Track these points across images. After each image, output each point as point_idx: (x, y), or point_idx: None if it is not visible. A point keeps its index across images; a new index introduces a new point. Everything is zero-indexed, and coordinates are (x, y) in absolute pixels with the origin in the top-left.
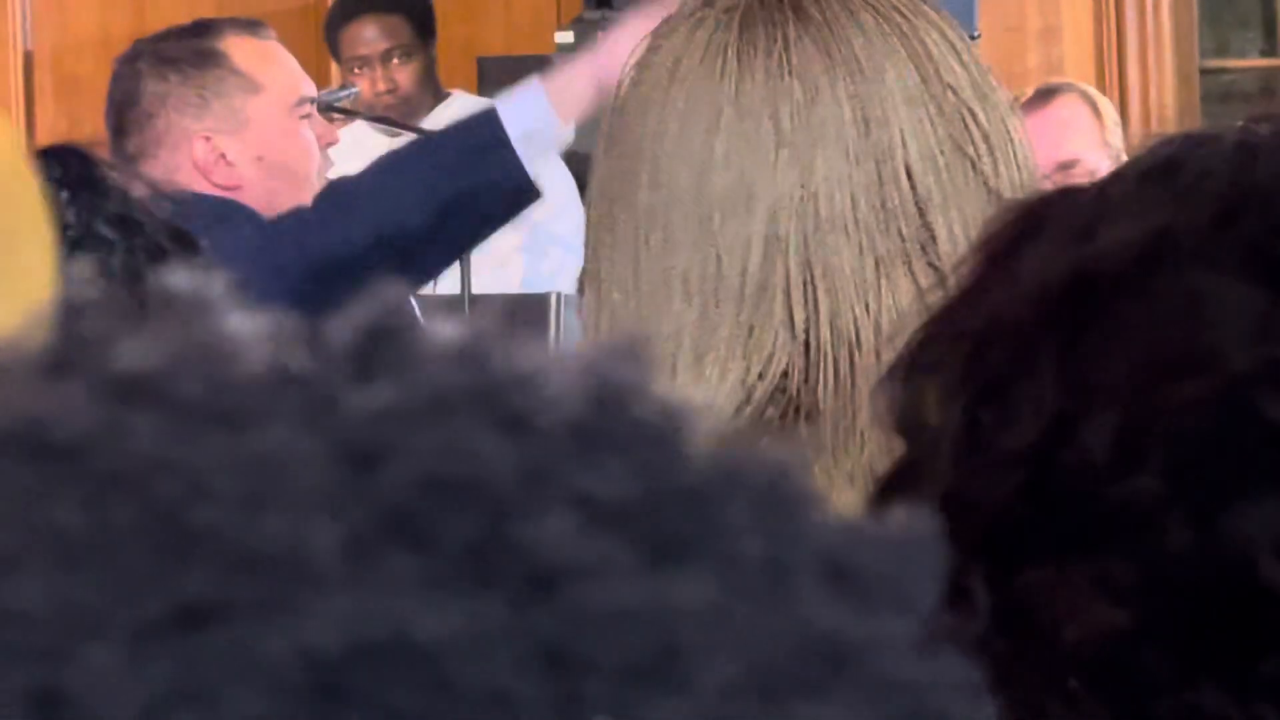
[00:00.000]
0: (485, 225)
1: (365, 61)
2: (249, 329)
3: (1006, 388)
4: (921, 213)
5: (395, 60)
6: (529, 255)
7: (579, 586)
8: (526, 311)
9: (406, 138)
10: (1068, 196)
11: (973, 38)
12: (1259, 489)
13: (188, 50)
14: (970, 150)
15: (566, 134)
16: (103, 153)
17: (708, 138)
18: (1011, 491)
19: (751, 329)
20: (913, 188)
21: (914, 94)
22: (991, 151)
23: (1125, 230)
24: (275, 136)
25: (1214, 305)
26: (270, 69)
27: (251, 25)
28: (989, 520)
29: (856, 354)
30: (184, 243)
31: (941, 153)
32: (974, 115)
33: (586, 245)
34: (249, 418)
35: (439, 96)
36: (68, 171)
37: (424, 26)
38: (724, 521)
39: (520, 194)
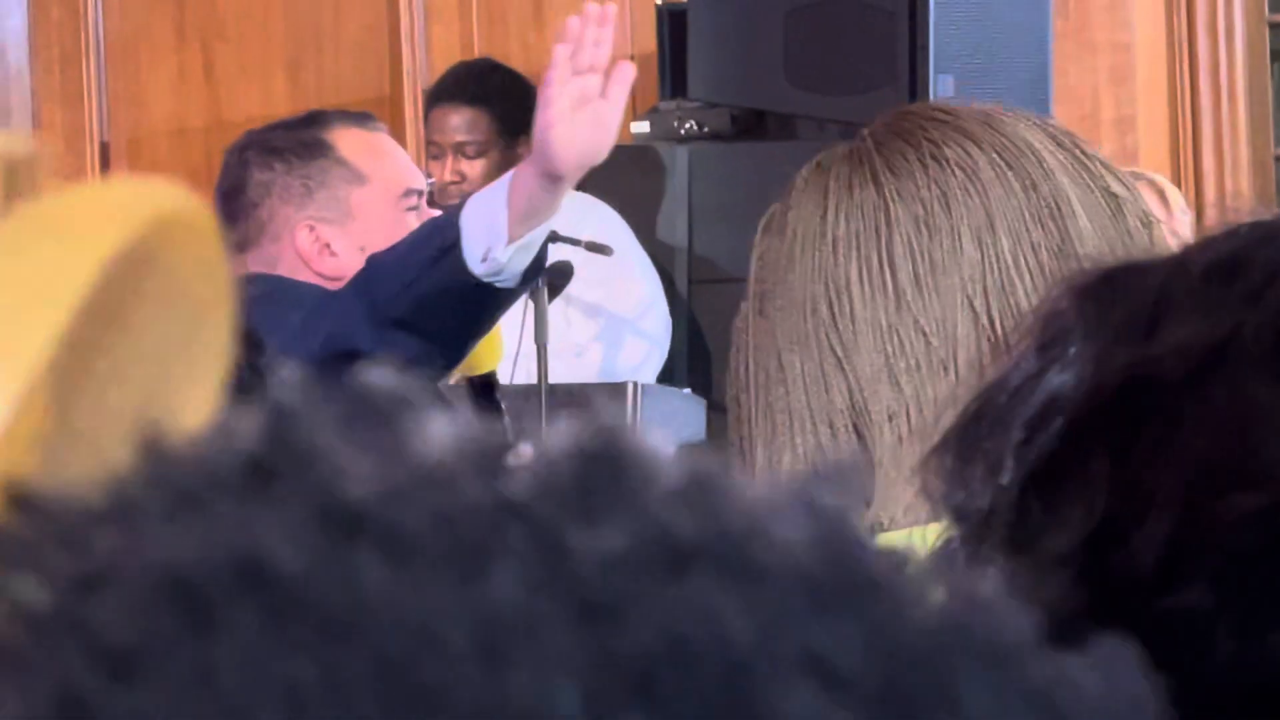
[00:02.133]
0: (452, 323)
1: (439, 148)
2: (464, 438)
3: (1058, 482)
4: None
5: (467, 152)
6: (606, 345)
7: None
8: (604, 401)
9: None
10: (1130, 277)
11: None
12: None
13: (294, 140)
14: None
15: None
16: None
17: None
18: (1059, 592)
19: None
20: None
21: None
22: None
23: (1186, 333)
24: (379, 227)
25: (1272, 418)
26: (376, 161)
27: (361, 118)
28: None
29: None
30: (248, 341)
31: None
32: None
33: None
34: (478, 560)
35: None
36: None
37: (507, 124)
38: (953, 682)
39: (470, 292)
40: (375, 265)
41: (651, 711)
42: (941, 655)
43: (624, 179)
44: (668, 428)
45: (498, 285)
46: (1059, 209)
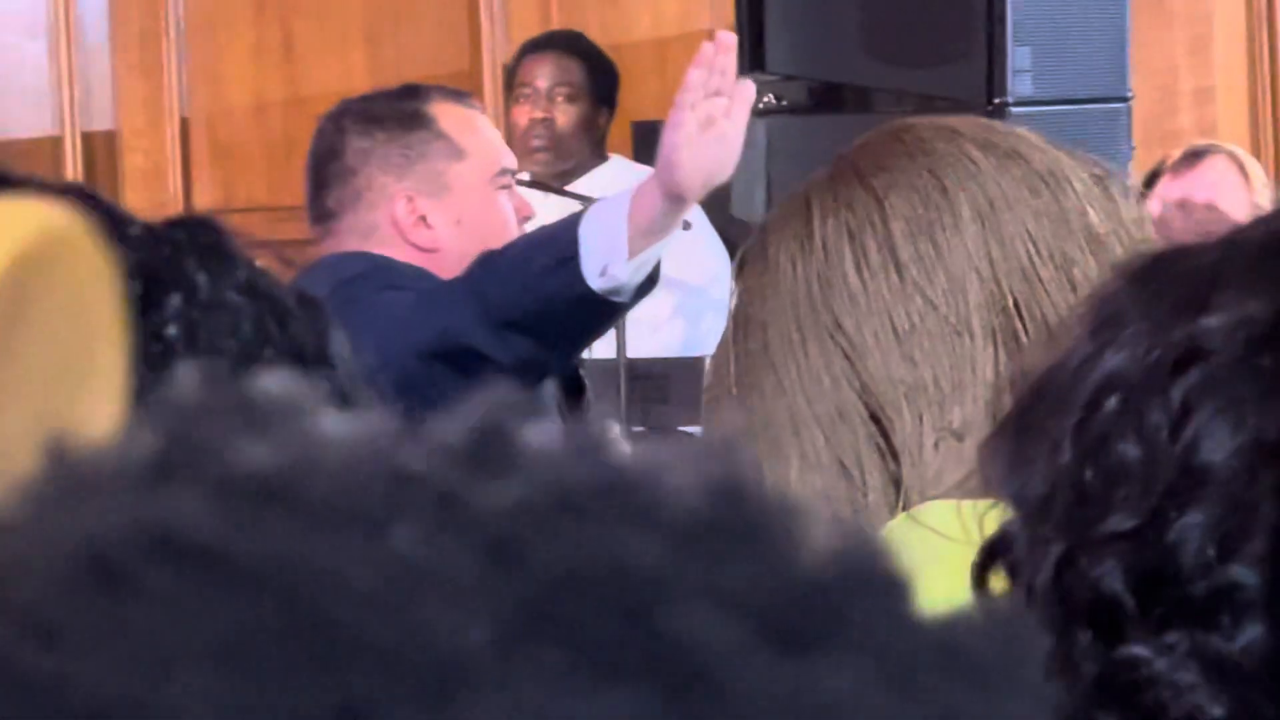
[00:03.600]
0: (566, 331)
1: (533, 91)
2: (358, 429)
3: (1116, 459)
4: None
5: (560, 97)
6: (685, 319)
7: (724, 675)
8: (681, 375)
9: (563, 201)
10: (1184, 258)
11: (1124, 99)
12: None
13: (395, 110)
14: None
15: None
16: (241, 221)
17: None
18: (1116, 567)
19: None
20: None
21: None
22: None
23: (1240, 307)
24: (475, 203)
25: None
26: (474, 137)
27: (458, 94)
28: (1093, 593)
29: None
30: (310, 307)
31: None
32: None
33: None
34: (381, 516)
35: (599, 157)
36: (195, 240)
37: (600, 83)
38: (848, 613)
39: (586, 304)
40: (490, 264)
41: (560, 644)
42: (833, 586)
43: None
44: None
45: (613, 300)
46: (1054, 177)
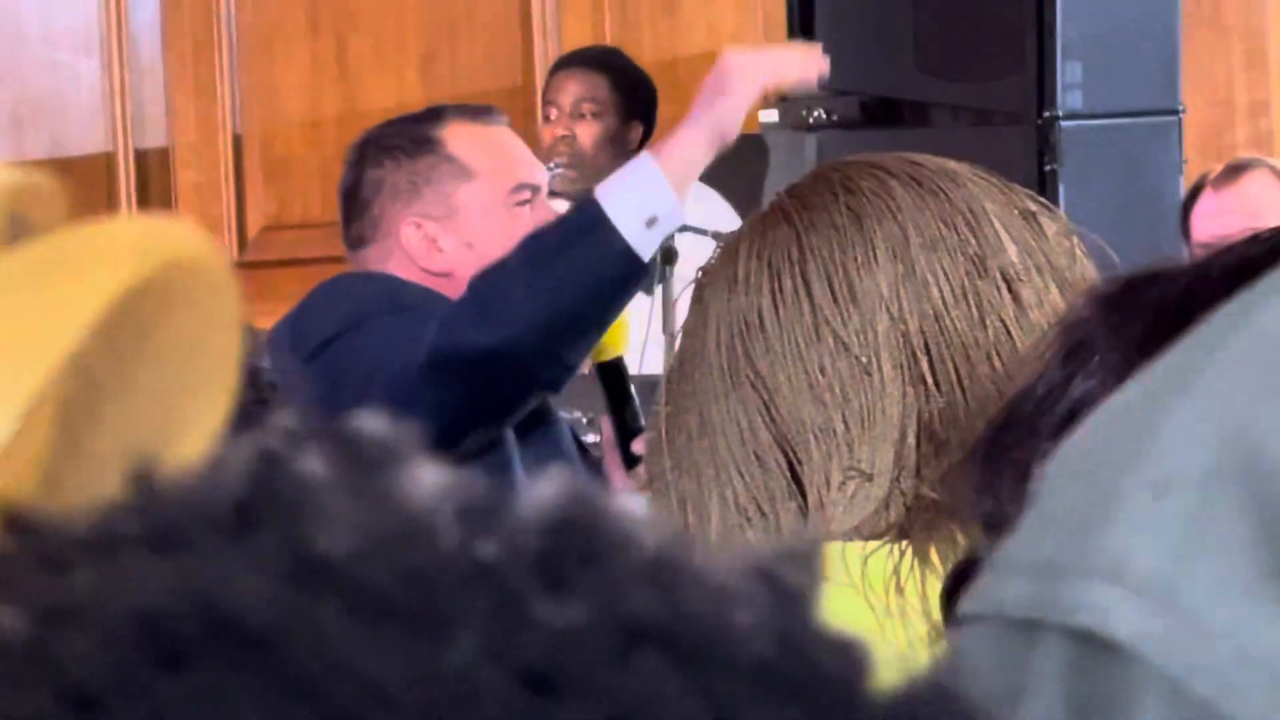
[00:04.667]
0: (599, 301)
1: (557, 108)
2: (437, 490)
3: None
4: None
5: (583, 114)
6: None
7: None
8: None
9: None
10: (1153, 284)
11: (1175, 112)
12: None
13: (405, 137)
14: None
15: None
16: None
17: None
18: None
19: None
20: None
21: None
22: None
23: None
24: (486, 224)
25: None
26: (486, 156)
27: (478, 111)
28: None
29: None
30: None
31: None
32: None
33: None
34: (440, 622)
35: None
36: None
37: (624, 98)
38: None
39: (628, 271)
40: (501, 270)
41: None
42: None
43: (752, 168)
44: None
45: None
46: (973, 215)
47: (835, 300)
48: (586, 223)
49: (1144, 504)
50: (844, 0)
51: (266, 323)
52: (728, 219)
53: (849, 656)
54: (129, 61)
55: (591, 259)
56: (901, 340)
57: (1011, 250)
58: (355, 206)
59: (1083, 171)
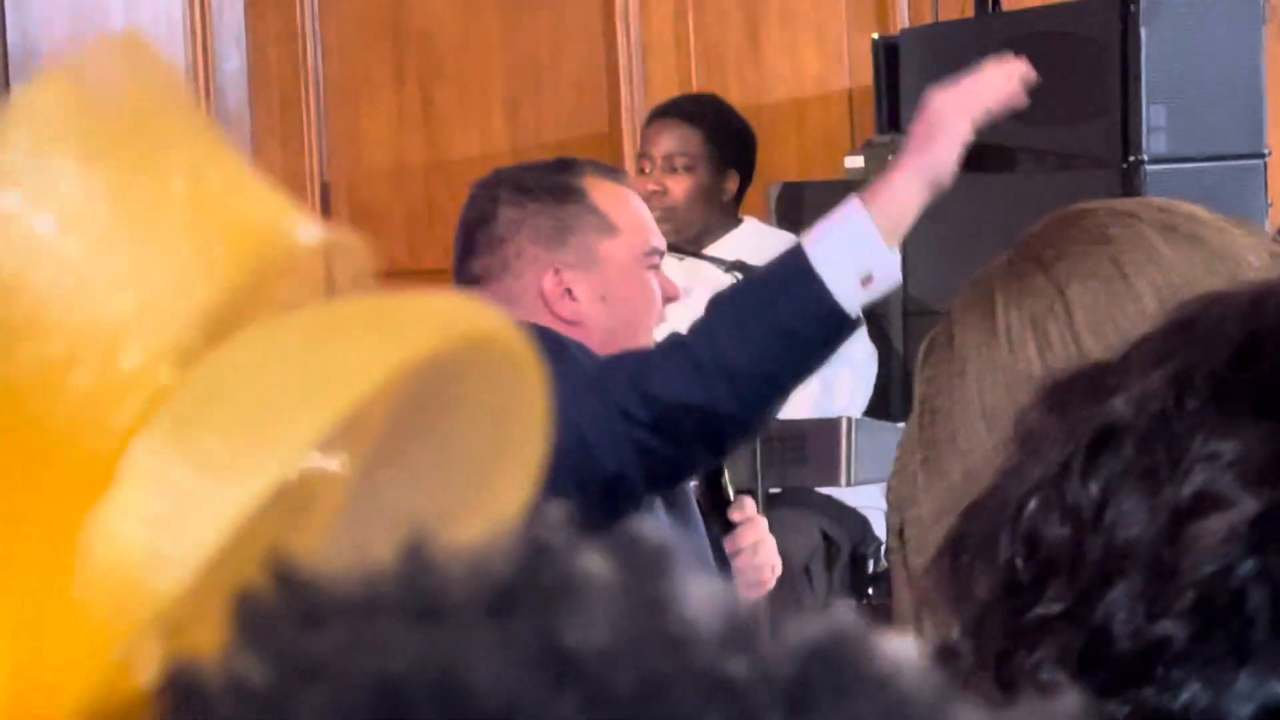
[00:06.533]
0: (804, 359)
1: (650, 160)
2: (704, 603)
3: (1044, 550)
4: None
5: (676, 167)
6: (820, 379)
7: None
8: (819, 436)
9: (692, 262)
10: (1089, 371)
11: (1261, 155)
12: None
13: (548, 183)
14: None
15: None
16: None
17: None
18: (1051, 652)
19: None
20: None
21: None
22: None
23: (1143, 381)
24: (623, 280)
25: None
26: (626, 214)
27: (612, 171)
28: (1031, 682)
29: None
30: None
31: None
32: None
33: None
34: None
35: (730, 221)
36: None
37: (718, 148)
38: None
39: (833, 323)
40: (701, 330)
41: None
42: None
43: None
44: (881, 461)
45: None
46: (1235, 260)
47: (1107, 350)
48: (794, 277)
49: None
50: (928, 45)
51: None
52: None
53: None
54: (216, 110)
55: (799, 316)
56: None
57: None
58: (484, 242)
59: None
